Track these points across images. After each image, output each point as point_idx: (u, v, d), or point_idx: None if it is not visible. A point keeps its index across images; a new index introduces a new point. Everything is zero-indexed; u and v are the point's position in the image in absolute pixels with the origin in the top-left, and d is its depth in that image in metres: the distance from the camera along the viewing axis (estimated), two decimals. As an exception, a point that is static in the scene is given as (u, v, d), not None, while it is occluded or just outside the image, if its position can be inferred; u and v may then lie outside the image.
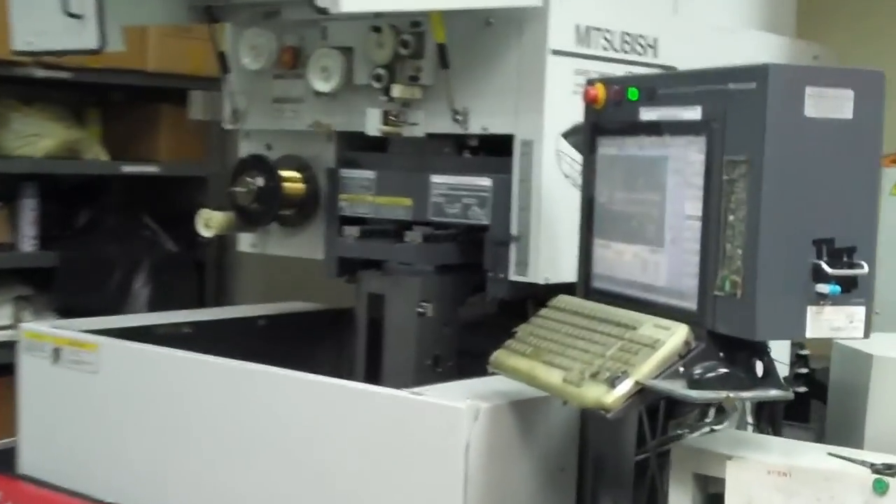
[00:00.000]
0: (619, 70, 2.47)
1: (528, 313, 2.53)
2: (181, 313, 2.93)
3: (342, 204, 2.64)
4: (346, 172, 2.65)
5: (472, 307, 2.63)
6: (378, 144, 2.66)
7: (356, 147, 2.71)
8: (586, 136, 2.06)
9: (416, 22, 2.48)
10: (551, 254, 2.39)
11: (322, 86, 2.61)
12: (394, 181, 2.57)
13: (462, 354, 2.54)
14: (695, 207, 1.79)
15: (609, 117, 2.01)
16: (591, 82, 2.05)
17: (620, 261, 1.97)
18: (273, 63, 2.71)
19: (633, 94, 1.94)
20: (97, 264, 3.93)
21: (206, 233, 2.75)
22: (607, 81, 2.02)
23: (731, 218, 1.73)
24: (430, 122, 2.51)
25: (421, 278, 2.48)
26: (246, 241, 2.91)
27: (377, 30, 2.49)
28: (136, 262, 4.00)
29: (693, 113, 1.81)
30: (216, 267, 4.29)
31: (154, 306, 3.95)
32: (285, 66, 2.70)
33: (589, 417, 2.07)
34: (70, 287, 3.87)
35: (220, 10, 2.75)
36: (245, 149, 2.87)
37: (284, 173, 2.70)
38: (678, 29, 2.67)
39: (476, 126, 2.45)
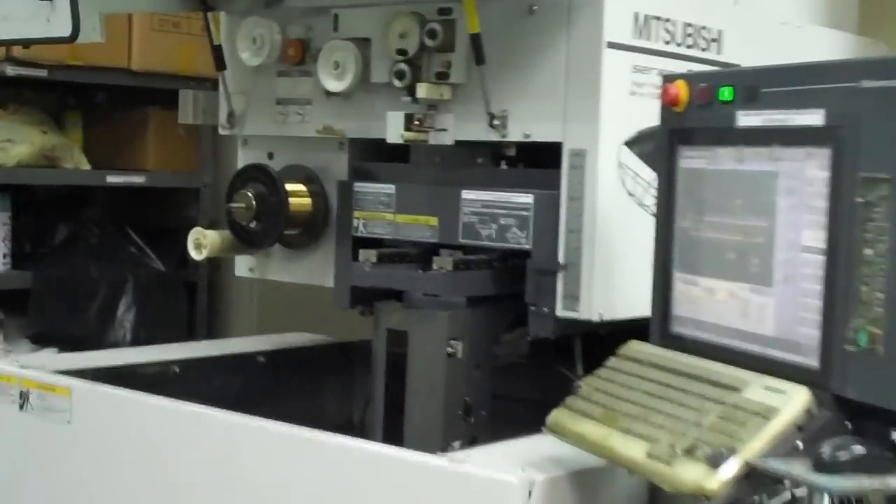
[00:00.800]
0: (680, 68, 2.09)
1: (574, 353, 2.18)
2: (170, 348, 2.55)
3: (356, 223, 2.27)
4: (361, 186, 2.27)
5: (508, 345, 2.25)
6: (399, 154, 2.29)
7: (373, 156, 2.34)
8: (663, 146, 1.68)
9: (445, 8, 2.10)
10: (606, 286, 2.02)
11: (333, 84, 2.23)
12: (417, 197, 2.19)
13: (495, 398, 2.16)
14: (816, 237, 1.41)
15: (694, 122, 1.63)
16: (669, 79, 1.67)
17: (711, 301, 1.59)
18: (276, 58, 2.34)
19: (726, 93, 1.56)
20: (76, 285, 3.55)
21: (197, 255, 2.37)
22: (691, 78, 1.64)
23: (867, 252, 1.35)
24: (461, 127, 2.13)
25: (450, 313, 2.10)
26: (244, 265, 2.52)
27: (399, 17, 2.11)
28: (120, 282, 3.62)
29: (812, 117, 1.43)
30: (208, 288, 3.90)
31: (140, 331, 3.58)
32: (290, 61, 2.32)
33: (659, 490, 1.68)
34: (46, 311, 3.49)
35: (214, -4, 2.38)
36: (243, 158, 2.50)
37: (289, 186, 2.32)
38: (742, 22, 2.30)
39: (516, 132, 2.08)
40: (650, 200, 1.81)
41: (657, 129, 1.73)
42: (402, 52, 2.12)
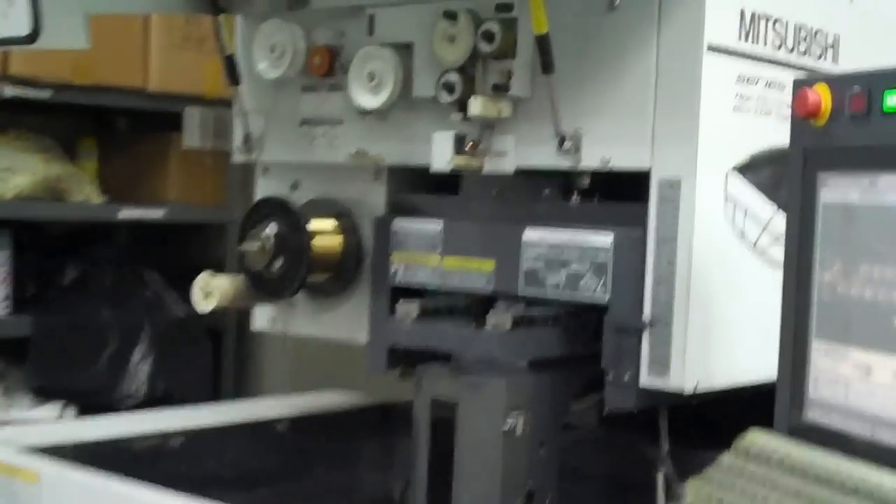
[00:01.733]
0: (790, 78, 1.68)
1: (659, 427, 1.78)
2: (179, 414, 2.16)
3: (395, 267, 1.87)
4: (402, 223, 1.88)
5: (577, 415, 1.85)
6: (447, 184, 1.89)
7: (415, 187, 1.95)
8: (795, 172, 1.27)
9: (504, 4, 1.71)
10: (704, 349, 1.61)
11: (368, 100, 1.84)
12: (469, 237, 1.80)
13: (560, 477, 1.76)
14: None
15: (842, 140, 1.22)
16: (804, 82, 1.27)
17: (867, 382, 1.17)
18: (300, 69, 1.96)
19: (892, 100, 1.15)
20: (85, 332, 3.19)
21: (204, 306, 1.98)
22: (838, 81, 1.23)
23: None
24: (523, 151, 1.74)
25: (509, 380, 1.69)
26: (263, 317, 2.13)
27: (449, 17, 1.72)
28: (136, 329, 3.26)
29: None
30: (236, 336, 3.50)
31: (157, 384, 3.21)
32: (317, 72, 1.94)
33: None
34: (49, 360, 3.12)
35: (227, -3, 2.01)
36: (262, 188, 2.12)
37: (314, 224, 1.94)
38: (858, 25, 1.90)
39: (593, 158, 1.68)
40: (768, 243, 1.40)
41: (782, 151, 1.33)
42: (451, 59, 1.73)
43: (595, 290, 1.66)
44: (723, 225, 1.57)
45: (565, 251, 1.69)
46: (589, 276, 1.67)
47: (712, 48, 1.59)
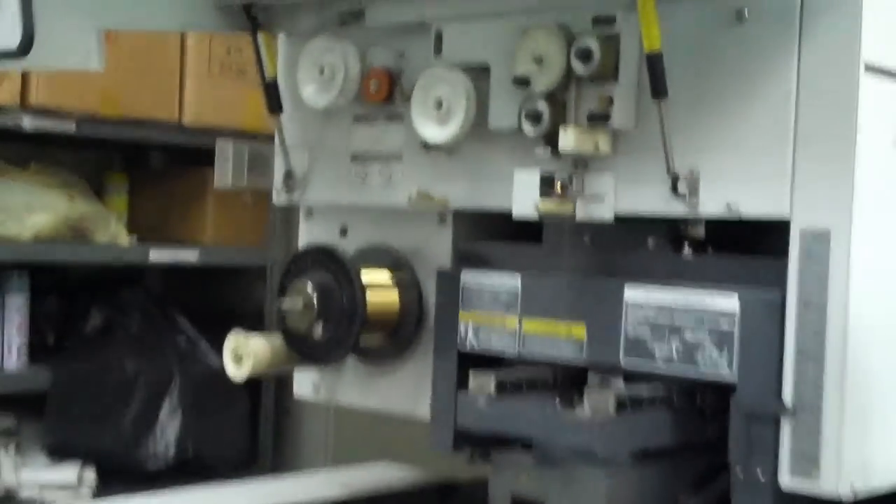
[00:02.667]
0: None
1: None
2: (211, 495, 1.86)
3: (464, 330, 1.57)
4: (472, 277, 1.58)
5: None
6: (526, 231, 1.58)
7: (488, 235, 1.65)
8: None
9: (604, 17, 1.41)
10: (863, 442, 1.29)
11: (435, 132, 1.54)
12: (556, 295, 1.49)
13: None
14: None
15: None
16: None
17: None
18: (352, 96, 1.66)
19: None
20: (108, 384, 2.92)
21: (236, 371, 1.69)
22: None
23: None
24: (625, 194, 1.44)
25: (609, 476, 1.38)
26: (305, 383, 1.83)
27: (533, 33, 1.42)
28: (164, 382, 3.00)
29: None
30: (276, 391, 3.21)
31: (187, 444, 2.93)
32: (373, 99, 1.65)
33: None
34: (67, 415, 2.84)
35: (267, 12, 1.71)
36: (306, 234, 1.82)
37: (367, 276, 1.64)
38: None
39: (714, 203, 1.37)
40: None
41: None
42: (537, 83, 1.42)
43: (717, 364, 1.35)
44: (886, 287, 1.25)
45: (678, 315, 1.38)
46: (709, 346, 1.36)
47: (871, 68, 1.28)
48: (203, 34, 2.99)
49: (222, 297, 3.41)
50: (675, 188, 1.37)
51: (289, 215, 3.31)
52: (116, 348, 3.01)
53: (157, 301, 3.21)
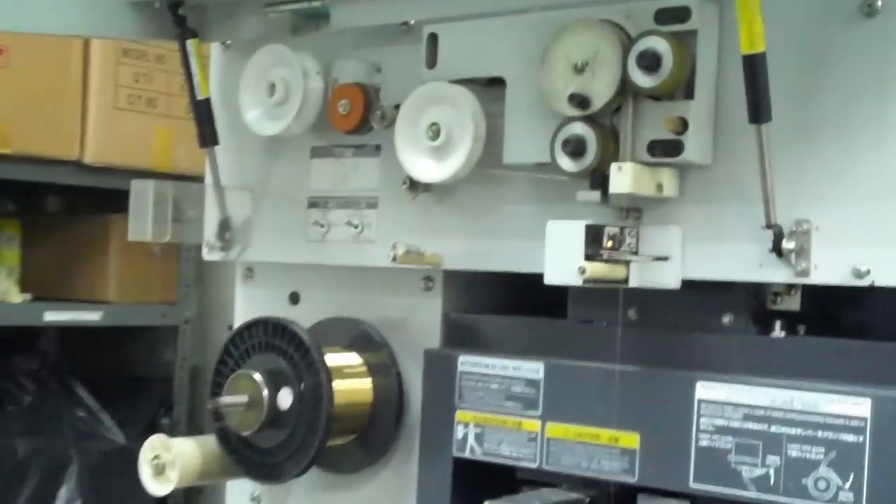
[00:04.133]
0: None
1: None
2: None
3: (462, 433, 1.18)
4: (472, 362, 1.18)
5: None
6: (546, 299, 1.19)
7: (491, 304, 1.26)
8: None
9: (675, 9, 1.03)
10: None
11: (429, 169, 1.16)
12: (594, 391, 1.10)
13: None
14: None
15: None
16: None
17: None
18: (311, 122, 1.27)
19: None
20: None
21: (156, 487, 1.26)
22: None
23: None
24: (698, 254, 1.05)
25: None
26: (241, 493, 1.40)
27: (573, 31, 1.04)
28: (62, 461, 2.57)
29: None
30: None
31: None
32: (341, 126, 1.25)
33: None
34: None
35: (199, 13, 1.31)
36: (246, 302, 1.41)
37: (334, 360, 1.23)
38: None
39: (833, 267, 0.99)
40: None
41: None
42: (579, 100, 1.04)
43: (837, 493, 0.97)
44: None
45: (776, 422, 1.00)
46: (824, 468, 0.98)
47: None
48: (108, 60, 2.58)
49: (128, 363, 2.99)
50: (777, 247, 0.99)
51: (203, 268, 2.92)
52: (5, 424, 2.58)
53: (52, 368, 2.79)
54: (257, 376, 1.19)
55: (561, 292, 1.17)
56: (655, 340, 1.10)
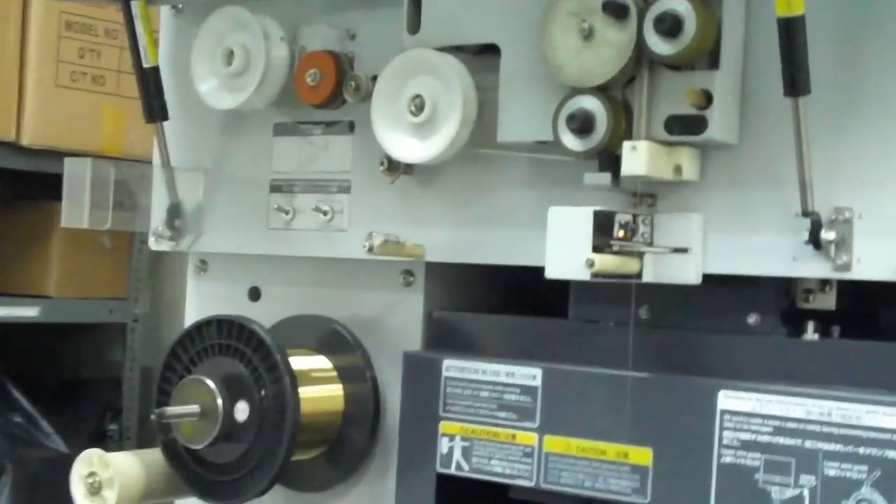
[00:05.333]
0: None
1: None
2: None
3: (447, 445, 1.05)
4: (458, 366, 1.05)
5: None
6: (542, 295, 1.06)
7: (479, 301, 1.13)
8: None
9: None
10: None
11: (411, 148, 1.03)
12: (599, 400, 0.97)
13: None
14: None
15: None
16: None
17: None
18: (274, 95, 1.13)
19: None
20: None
21: (95, 508, 1.11)
22: None
23: None
24: (721, 245, 0.92)
25: None
26: (194, 510, 1.26)
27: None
28: (-5, 471, 2.36)
29: None
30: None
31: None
32: (309, 99, 1.11)
33: None
34: None
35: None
36: (198, 297, 1.27)
37: (300, 364, 1.09)
38: None
39: (879, 262, 0.87)
40: None
41: None
42: (586, 71, 0.91)
43: (883, 520, 0.85)
44: None
45: (811, 437, 0.88)
46: (866, 488, 0.86)
47: None
48: (49, 33, 2.42)
49: (71, 364, 2.82)
50: (814, 238, 0.86)
51: (157, 260, 2.77)
52: (-68, 430, 2.40)
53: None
54: (210, 383, 1.05)
55: (559, 289, 1.04)
56: (671, 343, 0.97)
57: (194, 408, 1.05)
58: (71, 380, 2.75)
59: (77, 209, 1.11)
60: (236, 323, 1.09)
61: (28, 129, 2.42)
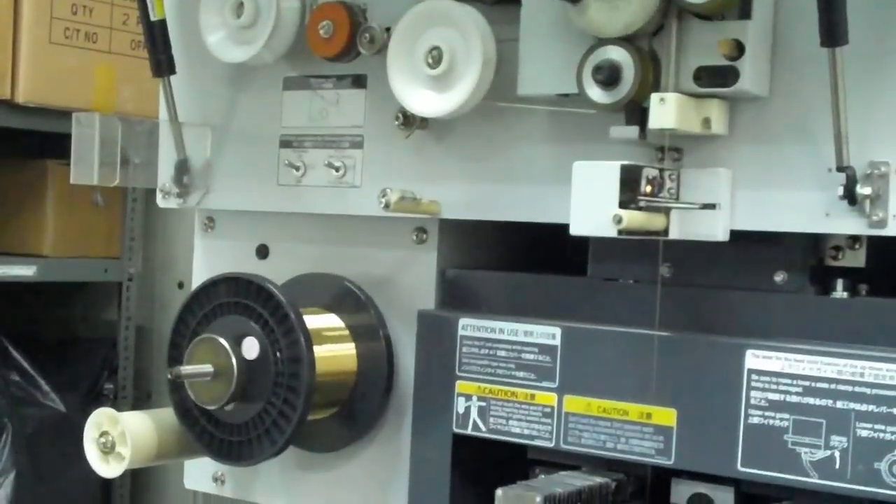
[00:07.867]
0: None
1: None
2: None
3: (464, 405, 1.03)
4: (474, 325, 1.03)
5: None
6: (558, 253, 1.04)
7: (494, 258, 1.11)
8: None
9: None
10: None
11: (429, 102, 1.00)
12: (621, 360, 0.95)
13: None
14: None
15: None
16: None
17: None
18: (285, 48, 1.10)
19: None
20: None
21: (105, 469, 1.10)
22: None
23: None
24: (750, 201, 0.90)
25: None
26: (200, 472, 1.24)
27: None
28: (-7, 431, 2.35)
29: None
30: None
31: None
32: (321, 52, 1.08)
33: None
34: None
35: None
36: (205, 256, 1.24)
37: (313, 323, 1.06)
38: None
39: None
40: None
41: None
42: (611, 22, 0.88)
43: (918, 482, 0.83)
44: None
45: (843, 397, 0.86)
46: (898, 452, 0.84)
47: None
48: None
49: (66, 323, 2.79)
50: (849, 193, 0.84)
51: (151, 219, 2.74)
52: (-72, 391, 2.37)
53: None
54: (224, 342, 1.03)
55: (577, 246, 1.01)
56: (696, 301, 0.95)
57: (208, 367, 1.02)
58: (67, 339, 2.73)
59: (86, 166, 1.08)
60: (251, 281, 1.06)
61: (22, 86, 2.38)
